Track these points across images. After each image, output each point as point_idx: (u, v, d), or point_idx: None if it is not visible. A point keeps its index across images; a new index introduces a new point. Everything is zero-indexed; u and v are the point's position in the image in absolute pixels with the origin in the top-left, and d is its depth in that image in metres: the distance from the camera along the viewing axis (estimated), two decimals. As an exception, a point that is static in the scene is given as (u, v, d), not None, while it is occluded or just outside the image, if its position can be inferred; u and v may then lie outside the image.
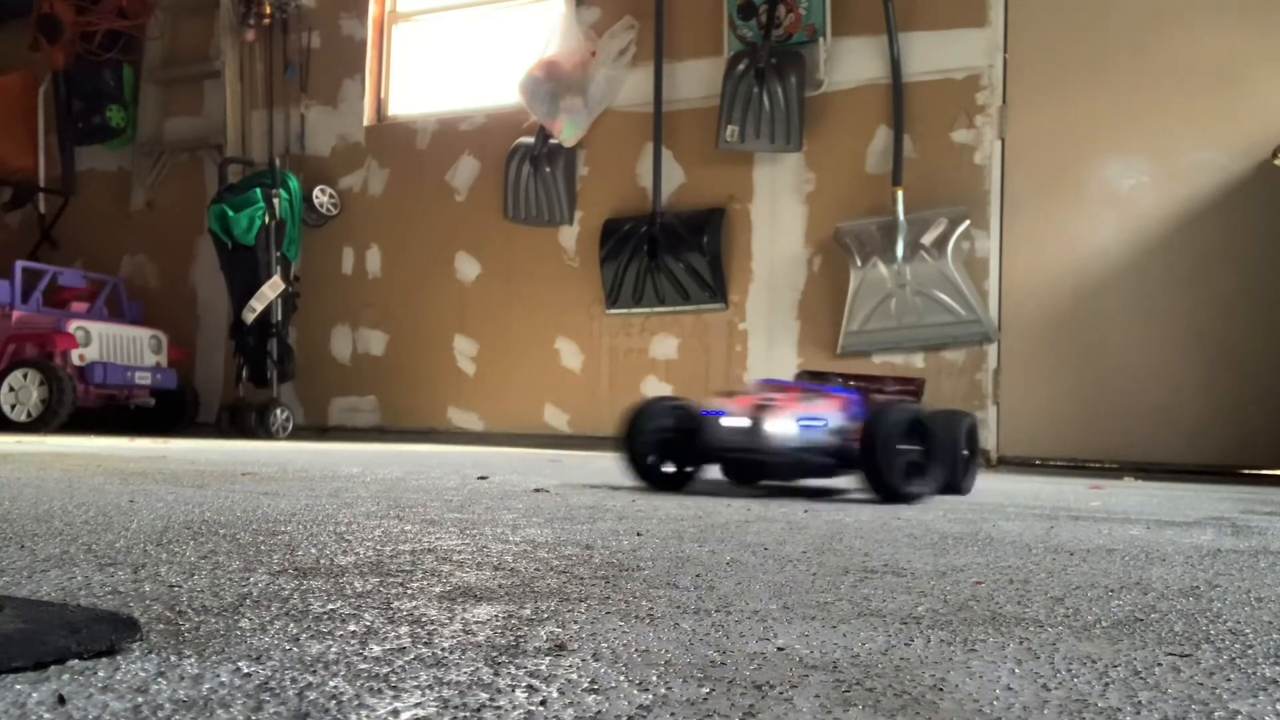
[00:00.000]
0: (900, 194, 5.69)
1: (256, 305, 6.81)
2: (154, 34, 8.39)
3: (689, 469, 3.04)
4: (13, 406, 6.48)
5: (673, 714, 0.71)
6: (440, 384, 7.14)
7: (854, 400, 3.00)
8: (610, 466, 4.37)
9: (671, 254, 6.29)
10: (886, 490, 2.72)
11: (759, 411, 2.82)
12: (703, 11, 6.45)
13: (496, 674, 0.81)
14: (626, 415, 2.97)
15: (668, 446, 2.95)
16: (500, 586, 1.23)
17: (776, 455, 2.79)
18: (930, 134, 5.80)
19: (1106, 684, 0.84)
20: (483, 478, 3.23)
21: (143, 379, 6.99)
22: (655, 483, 2.96)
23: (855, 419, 2.87)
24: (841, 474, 2.92)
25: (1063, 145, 5.62)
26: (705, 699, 0.75)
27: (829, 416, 2.85)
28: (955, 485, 3.10)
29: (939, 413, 3.07)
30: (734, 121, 6.10)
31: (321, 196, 7.47)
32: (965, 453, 3.18)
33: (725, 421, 2.84)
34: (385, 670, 0.80)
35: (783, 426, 2.79)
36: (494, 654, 0.88)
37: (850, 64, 6.03)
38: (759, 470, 2.97)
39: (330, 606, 1.06)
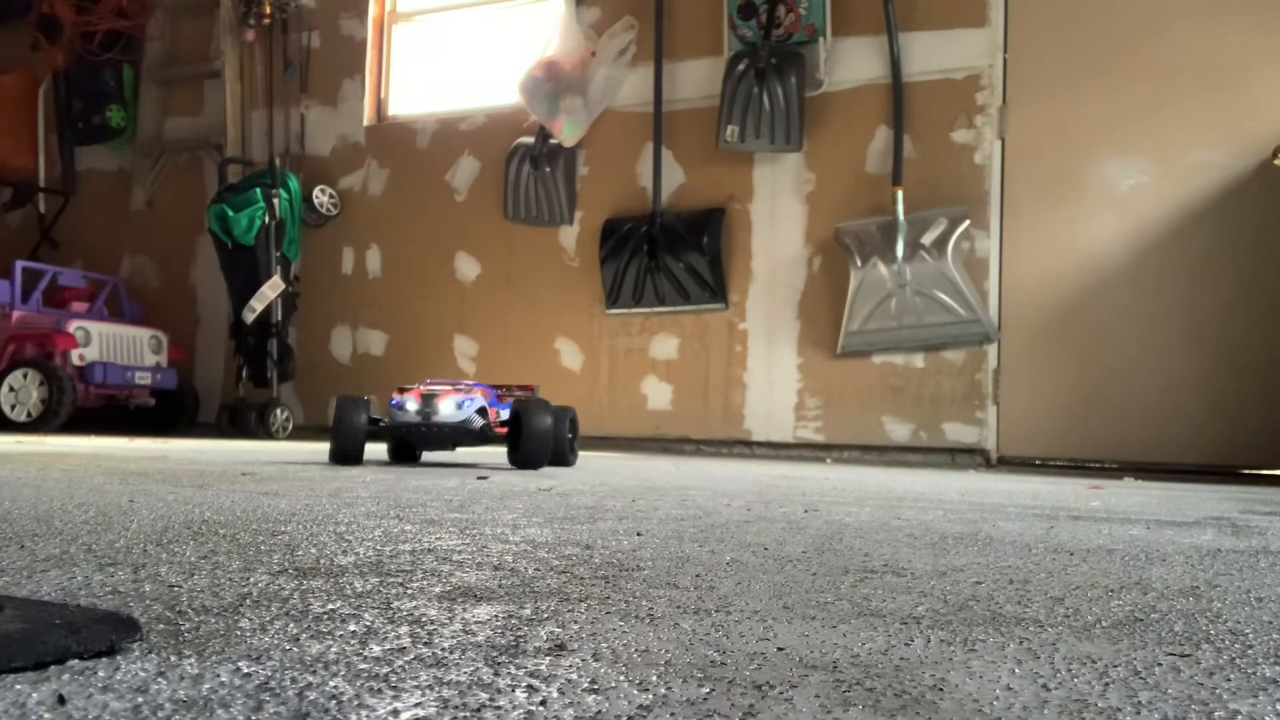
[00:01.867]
0: (900, 194, 5.69)
1: (256, 305, 6.81)
2: (154, 34, 8.40)
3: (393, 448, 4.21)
4: (13, 406, 6.49)
5: (673, 714, 0.71)
6: (440, 384, 7.15)
7: (491, 391, 4.10)
8: (610, 466, 4.37)
9: (671, 254, 6.29)
10: (534, 464, 3.72)
11: (431, 397, 3.83)
12: (703, 11, 6.46)
13: (496, 674, 0.81)
14: (339, 410, 3.72)
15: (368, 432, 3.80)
16: (500, 586, 1.23)
17: (442, 427, 3.78)
18: (930, 134, 5.81)
19: (1106, 684, 0.84)
20: (483, 478, 3.23)
21: (143, 379, 6.99)
22: (357, 460, 3.76)
23: (493, 405, 4.00)
24: (487, 444, 3.92)
25: (1063, 145, 5.62)
26: (705, 699, 0.75)
27: (477, 400, 3.87)
28: (563, 459, 4.07)
29: (558, 407, 4.04)
30: (734, 121, 6.10)
31: (321, 196, 7.47)
32: (570, 436, 4.14)
33: (409, 406, 3.82)
34: (385, 670, 0.80)
35: (446, 406, 3.81)
36: (494, 654, 0.88)
37: (850, 64, 6.03)
38: (429, 441, 3.85)
39: (330, 606, 1.06)
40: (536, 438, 3.66)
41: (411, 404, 3.80)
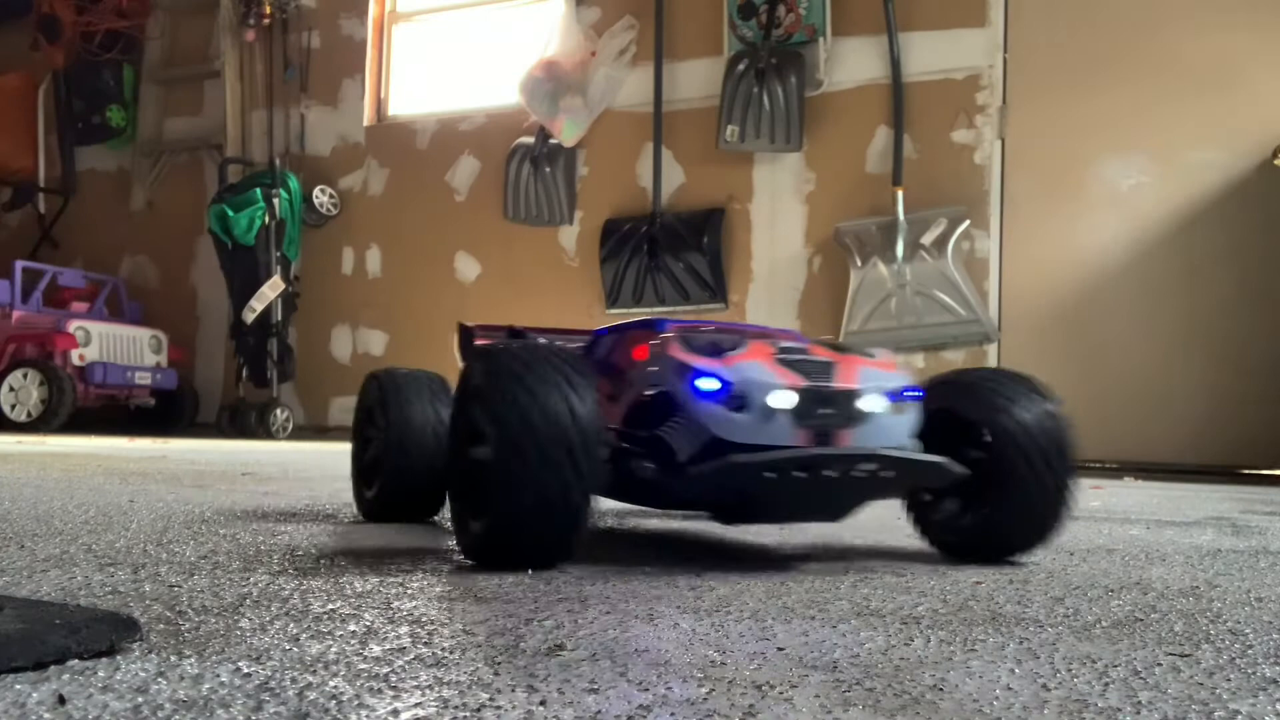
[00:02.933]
0: (900, 194, 5.68)
1: (256, 305, 6.81)
2: (154, 34, 8.39)
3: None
4: (13, 406, 6.48)
5: (673, 714, 0.71)
6: (440, 384, 7.14)
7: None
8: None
9: (671, 254, 6.28)
10: (1040, 535, 1.59)
11: (822, 371, 1.42)
12: (703, 11, 6.45)
13: (496, 674, 0.81)
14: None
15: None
16: (500, 586, 1.23)
17: (884, 466, 1.41)
18: (930, 134, 5.80)
19: (1106, 684, 0.84)
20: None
21: (143, 379, 6.98)
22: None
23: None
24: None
25: (1063, 145, 5.62)
26: (705, 699, 0.75)
27: (902, 378, 1.50)
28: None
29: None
30: (734, 121, 6.10)
31: (321, 196, 7.46)
32: None
33: (774, 400, 1.36)
34: (385, 670, 0.80)
35: (872, 402, 1.42)
36: (494, 654, 0.88)
37: (850, 64, 6.03)
38: (840, 499, 1.54)
39: (330, 606, 1.06)
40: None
41: (779, 392, 1.37)
